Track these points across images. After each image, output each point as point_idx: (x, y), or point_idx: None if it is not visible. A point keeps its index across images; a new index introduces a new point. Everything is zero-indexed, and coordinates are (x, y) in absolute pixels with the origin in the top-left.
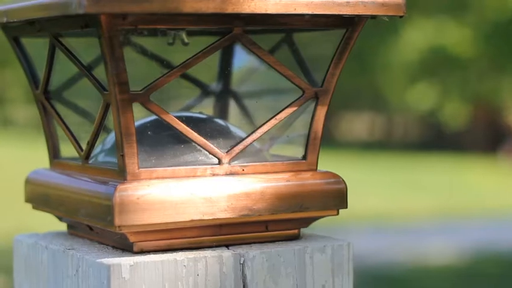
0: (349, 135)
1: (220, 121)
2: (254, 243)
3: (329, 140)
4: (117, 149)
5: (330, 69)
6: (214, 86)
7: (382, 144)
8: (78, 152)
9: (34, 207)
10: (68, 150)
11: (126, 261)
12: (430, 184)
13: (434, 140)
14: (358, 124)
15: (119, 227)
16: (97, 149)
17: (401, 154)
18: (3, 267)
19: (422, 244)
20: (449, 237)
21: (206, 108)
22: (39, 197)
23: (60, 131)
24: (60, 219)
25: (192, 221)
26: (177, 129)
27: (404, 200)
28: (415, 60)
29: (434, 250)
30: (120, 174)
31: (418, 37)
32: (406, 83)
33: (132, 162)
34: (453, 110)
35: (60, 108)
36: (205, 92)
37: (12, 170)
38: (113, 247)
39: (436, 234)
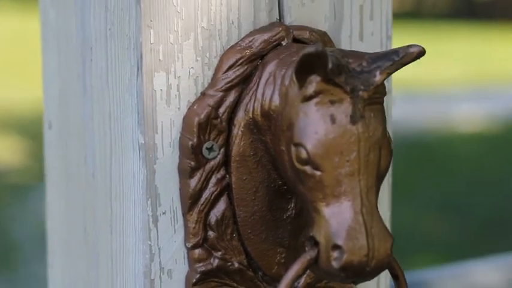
0: None
1: None
2: None
3: None
4: None
5: None
6: None
7: (411, 15)
8: None
9: None
10: None
11: None
12: (461, 54)
13: (465, 9)
14: None
15: None
16: None
17: (431, 25)
18: (32, 134)
19: (454, 111)
20: (481, 104)
21: None
22: None
23: None
24: None
25: None
26: None
27: (435, 69)
28: None
29: (465, 117)
30: None
31: None
32: None
33: None
34: None
35: None
36: None
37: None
38: None
39: (468, 101)
